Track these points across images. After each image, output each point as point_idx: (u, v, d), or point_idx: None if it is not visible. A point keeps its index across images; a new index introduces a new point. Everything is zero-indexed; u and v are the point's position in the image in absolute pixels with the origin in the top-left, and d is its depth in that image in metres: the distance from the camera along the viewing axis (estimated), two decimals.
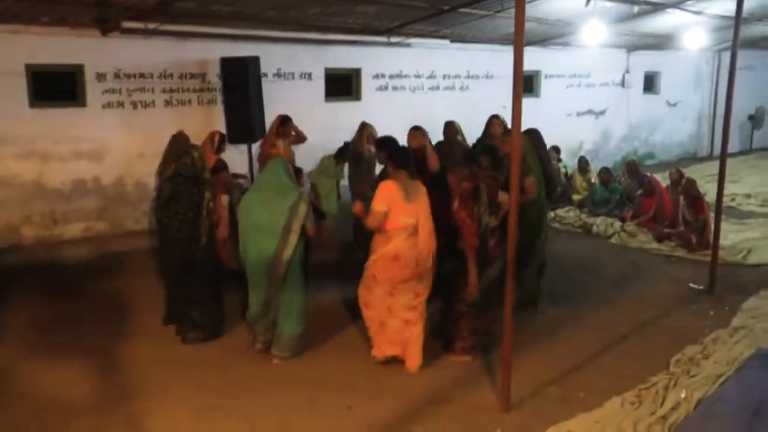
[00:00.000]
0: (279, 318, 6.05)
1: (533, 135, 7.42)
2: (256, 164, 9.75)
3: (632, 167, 12.45)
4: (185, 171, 6.41)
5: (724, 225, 8.22)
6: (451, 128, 8.77)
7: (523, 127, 5.15)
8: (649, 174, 11.82)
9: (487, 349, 6.29)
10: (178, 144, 6.82)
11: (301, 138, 9.74)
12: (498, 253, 6.01)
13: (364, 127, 9.70)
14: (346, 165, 9.85)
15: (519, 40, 4.87)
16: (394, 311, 5.86)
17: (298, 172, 6.75)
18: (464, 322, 6.11)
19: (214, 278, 6.65)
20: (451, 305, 6.14)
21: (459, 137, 8.73)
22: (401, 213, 5.65)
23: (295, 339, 6.13)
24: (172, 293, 6.85)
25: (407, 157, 5.98)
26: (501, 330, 5.33)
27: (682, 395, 5.43)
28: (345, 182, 9.92)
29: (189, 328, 6.51)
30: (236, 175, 9.08)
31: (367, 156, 9.45)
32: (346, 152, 9.76)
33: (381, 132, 10.56)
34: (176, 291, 6.69)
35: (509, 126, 5.72)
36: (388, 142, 6.42)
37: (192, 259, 6.42)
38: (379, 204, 5.64)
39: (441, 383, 5.75)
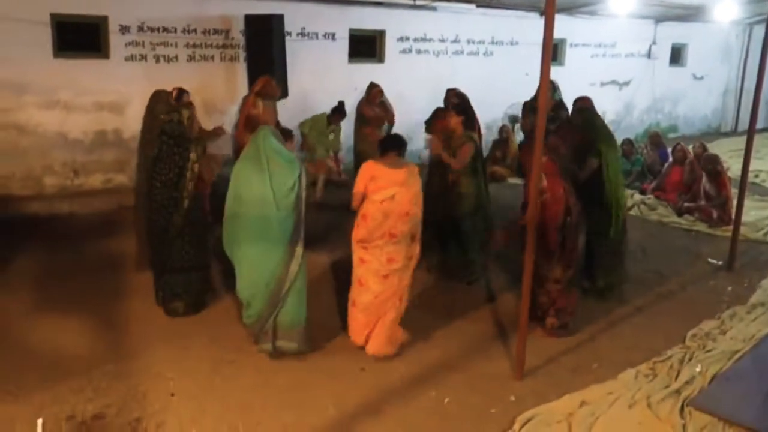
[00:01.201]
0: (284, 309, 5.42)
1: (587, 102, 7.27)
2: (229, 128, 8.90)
3: (656, 139, 12.27)
4: (170, 129, 6.00)
5: (746, 201, 8.08)
6: (452, 93, 8.64)
7: None
8: (681, 143, 11.57)
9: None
10: (159, 102, 6.60)
11: (389, 116, 9.63)
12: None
13: (372, 87, 9.73)
14: (344, 123, 10.00)
15: (551, 9, 4.73)
16: (366, 284, 5.55)
17: (287, 133, 6.03)
18: (558, 299, 5.99)
19: (199, 245, 6.22)
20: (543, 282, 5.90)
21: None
22: (379, 191, 5.42)
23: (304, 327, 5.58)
24: (153, 260, 6.42)
25: (392, 143, 5.70)
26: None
27: (697, 369, 5.39)
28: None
29: (169, 297, 6.17)
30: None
31: (373, 115, 9.58)
32: (339, 111, 9.81)
33: (404, 94, 10.50)
34: (157, 258, 6.29)
35: None
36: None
37: (171, 223, 5.99)
38: (357, 185, 5.47)
39: (454, 351, 5.75)
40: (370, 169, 5.47)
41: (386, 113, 9.75)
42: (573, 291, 6.07)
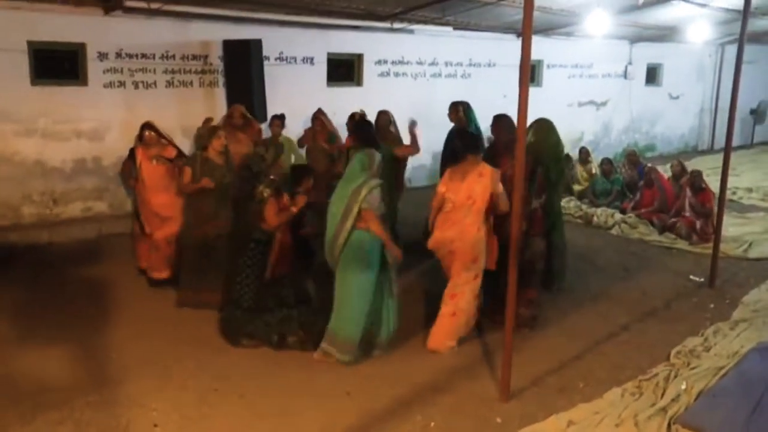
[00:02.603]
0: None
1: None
2: None
3: (633, 158, 12.39)
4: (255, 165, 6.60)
5: (725, 218, 8.18)
6: (383, 117, 8.71)
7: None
8: (649, 164, 11.77)
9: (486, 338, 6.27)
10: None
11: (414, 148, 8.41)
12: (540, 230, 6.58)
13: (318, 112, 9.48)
14: None
15: (527, 31, 4.78)
16: None
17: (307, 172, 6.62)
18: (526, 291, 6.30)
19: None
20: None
21: (392, 128, 8.76)
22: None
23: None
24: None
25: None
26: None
27: (683, 387, 5.41)
28: None
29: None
30: None
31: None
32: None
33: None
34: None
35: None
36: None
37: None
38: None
39: (440, 371, 5.73)
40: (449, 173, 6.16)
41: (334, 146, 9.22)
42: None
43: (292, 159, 9.54)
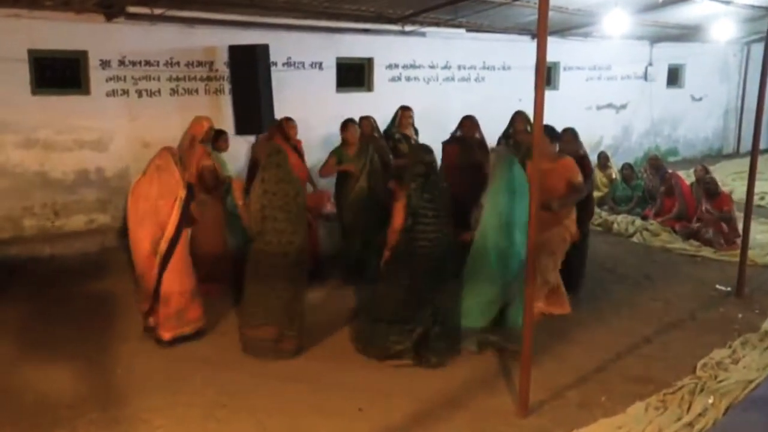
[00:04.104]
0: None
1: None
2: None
3: (655, 163, 12.32)
4: None
5: (752, 224, 8.12)
6: (366, 122, 8.74)
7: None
8: (670, 171, 11.71)
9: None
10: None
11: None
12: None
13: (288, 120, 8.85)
14: None
15: (542, 32, 4.78)
16: None
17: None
18: None
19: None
20: None
21: (375, 134, 8.80)
22: None
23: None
24: None
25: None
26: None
27: (710, 401, 5.36)
28: None
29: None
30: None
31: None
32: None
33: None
34: None
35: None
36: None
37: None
38: None
39: (455, 385, 5.71)
40: None
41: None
42: None
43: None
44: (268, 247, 6.04)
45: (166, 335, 6.30)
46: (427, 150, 6.33)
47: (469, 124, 8.66)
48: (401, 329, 6.05)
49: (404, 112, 9.43)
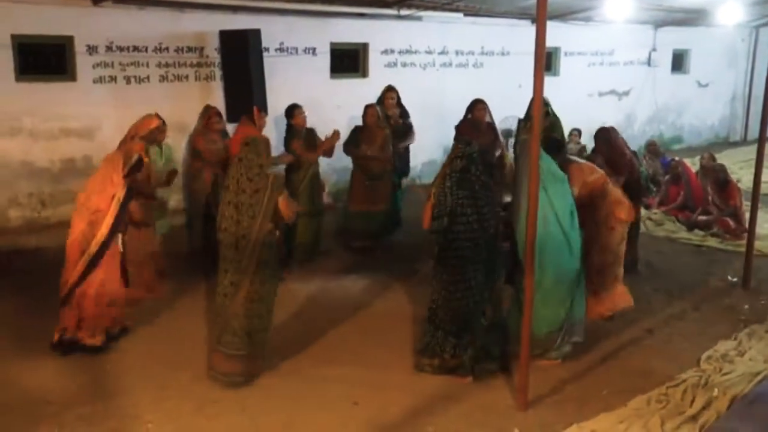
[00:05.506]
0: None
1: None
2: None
3: (653, 148, 12.44)
4: None
5: (759, 214, 8.13)
6: (371, 111, 8.90)
7: None
8: (676, 158, 11.72)
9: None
10: None
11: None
12: None
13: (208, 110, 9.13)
14: None
15: (542, 15, 4.79)
16: None
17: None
18: None
19: None
20: None
21: (380, 123, 8.93)
22: None
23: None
24: None
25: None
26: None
27: (714, 394, 5.38)
28: None
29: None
30: None
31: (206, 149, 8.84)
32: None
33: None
34: None
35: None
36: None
37: None
38: None
39: (453, 379, 5.72)
40: None
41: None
42: None
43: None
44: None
45: (89, 341, 6.15)
46: (467, 143, 5.91)
47: (480, 107, 8.87)
48: (457, 343, 5.75)
49: (387, 93, 9.52)
